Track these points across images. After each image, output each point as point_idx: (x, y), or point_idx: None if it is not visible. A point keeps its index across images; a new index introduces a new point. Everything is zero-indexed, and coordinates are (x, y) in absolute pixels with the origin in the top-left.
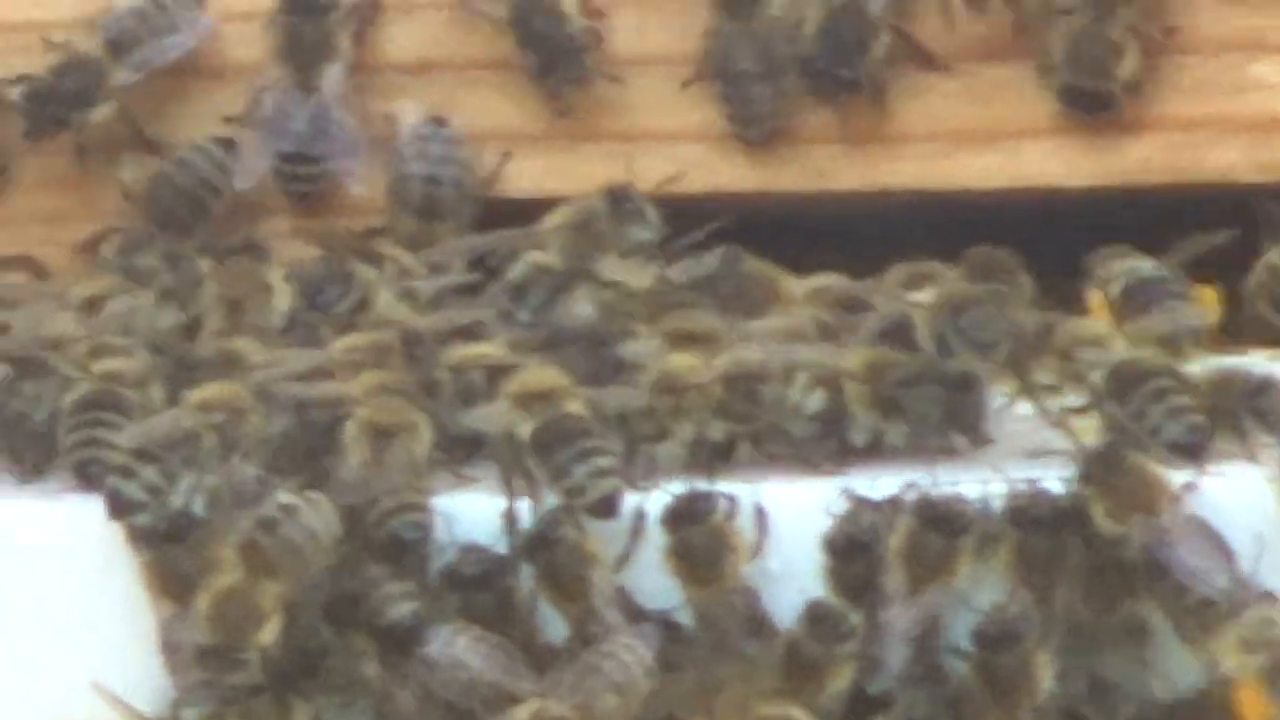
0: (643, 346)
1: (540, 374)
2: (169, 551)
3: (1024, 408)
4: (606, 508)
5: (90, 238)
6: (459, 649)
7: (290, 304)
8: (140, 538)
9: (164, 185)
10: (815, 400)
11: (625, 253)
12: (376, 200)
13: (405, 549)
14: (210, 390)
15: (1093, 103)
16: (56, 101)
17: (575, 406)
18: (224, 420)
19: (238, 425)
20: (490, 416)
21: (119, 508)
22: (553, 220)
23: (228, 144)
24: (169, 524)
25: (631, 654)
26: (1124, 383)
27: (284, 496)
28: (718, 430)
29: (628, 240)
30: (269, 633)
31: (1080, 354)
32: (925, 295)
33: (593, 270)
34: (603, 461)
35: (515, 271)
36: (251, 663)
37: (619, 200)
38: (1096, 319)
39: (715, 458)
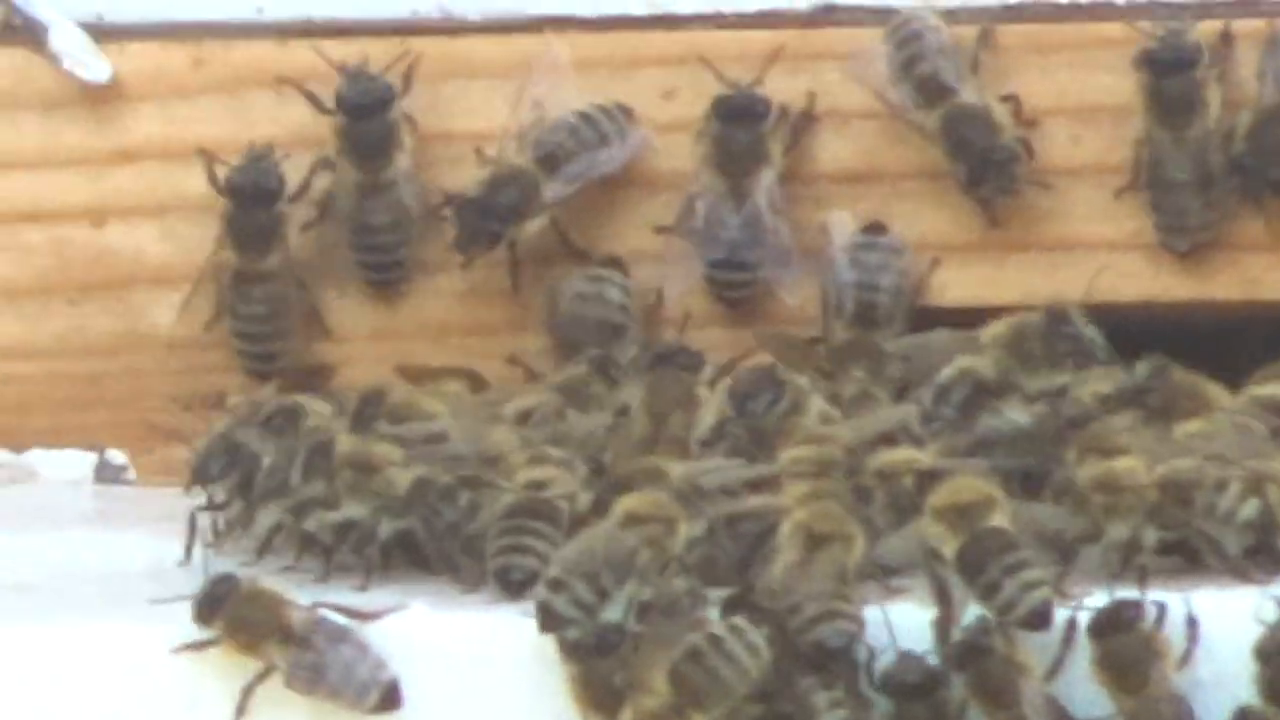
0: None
1: (967, 484)
2: (598, 665)
3: None
4: (1039, 620)
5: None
6: None
7: (716, 417)
8: (569, 651)
9: (568, 323)
10: (1249, 509)
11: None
12: (809, 310)
13: (831, 656)
14: (638, 501)
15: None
16: (491, 216)
17: (1001, 519)
18: (657, 532)
19: (669, 537)
20: (914, 534)
21: (550, 623)
22: (990, 331)
23: (617, 264)
24: (599, 639)
25: None
26: None
27: (714, 628)
28: (1150, 535)
29: (1060, 360)
30: None
31: None
32: None
33: (1020, 384)
34: (1031, 575)
35: (944, 374)
36: None
37: (1057, 321)
38: None
39: (1145, 563)
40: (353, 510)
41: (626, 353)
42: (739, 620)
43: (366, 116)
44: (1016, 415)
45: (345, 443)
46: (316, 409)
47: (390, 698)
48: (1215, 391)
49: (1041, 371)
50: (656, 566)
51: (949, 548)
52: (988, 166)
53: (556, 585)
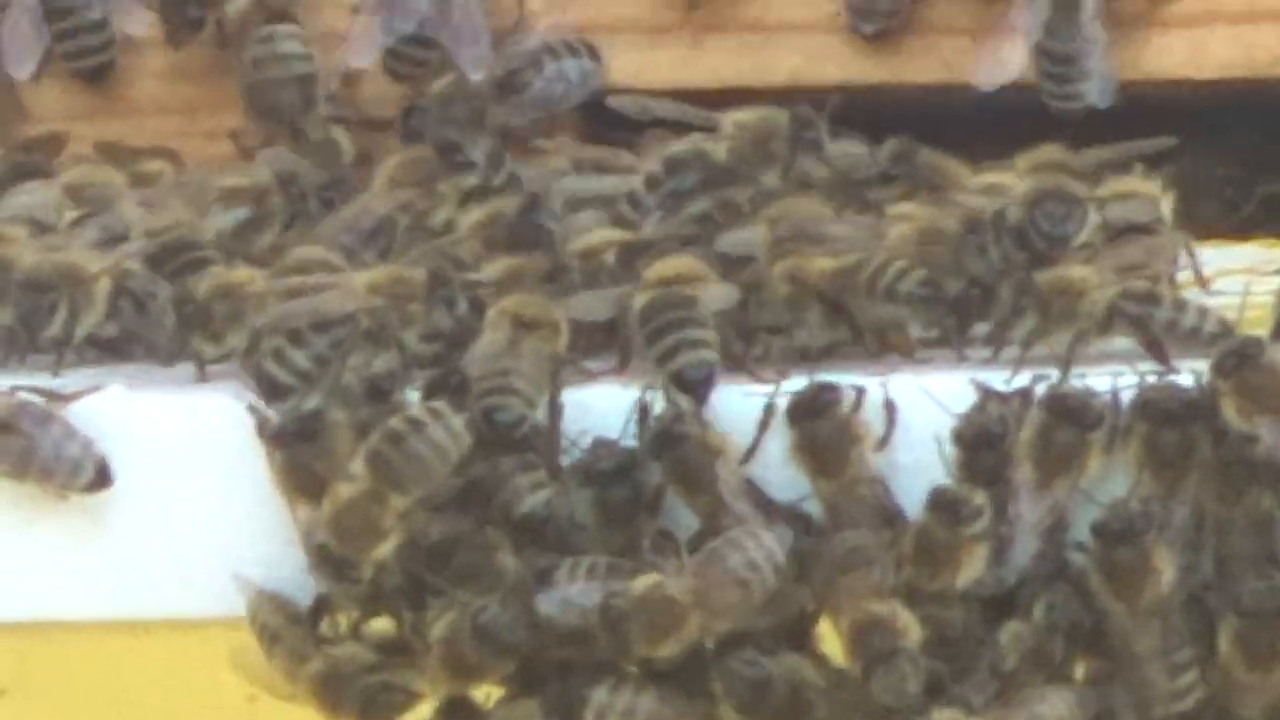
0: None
1: (680, 261)
2: (299, 451)
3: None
4: (695, 379)
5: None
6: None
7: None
8: (270, 438)
9: (258, 88)
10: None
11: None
12: None
13: (498, 428)
14: (381, 274)
15: None
16: (192, 1)
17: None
18: (385, 304)
19: (399, 310)
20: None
21: (272, 392)
22: (736, 117)
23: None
24: (298, 424)
25: (760, 549)
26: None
27: (414, 410)
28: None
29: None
30: (387, 548)
31: None
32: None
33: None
34: (698, 334)
35: (677, 149)
36: (364, 576)
37: (802, 126)
38: None
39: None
40: None
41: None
42: (438, 404)
43: None
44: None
45: None
46: None
47: (103, 475)
48: (959, 170)
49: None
50: (375, 340)
51: (637, 304)
52: None
53: (277, 356)
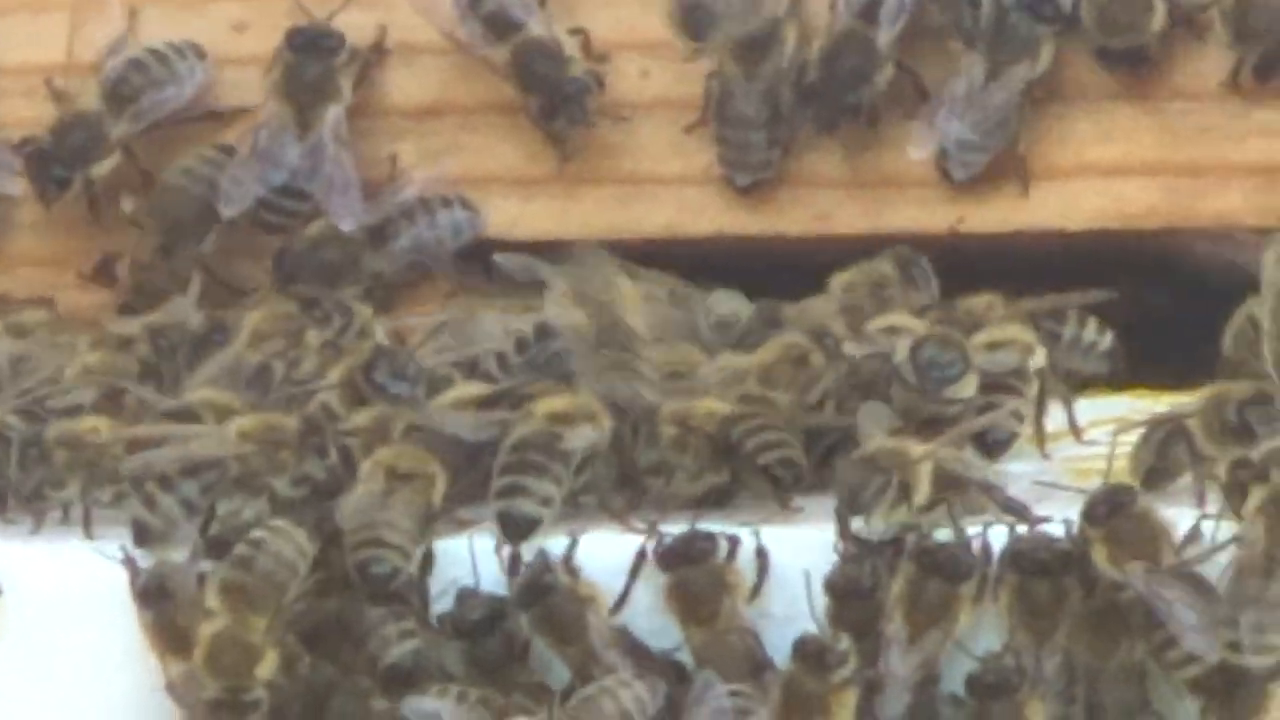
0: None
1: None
2: (164, 609)
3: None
4: (516, 525)
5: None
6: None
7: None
8: (137, 597)
9: (170, 194)
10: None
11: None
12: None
13: (374, 582)
14: (252, 420)
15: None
16: (59, 163)
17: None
18: (255, 451)
19: (270, 457)
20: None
21: (141, 538)
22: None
23: (229, 151)
24: (160, 582)
25: (633, 698)
26: None
27: (254, 533)
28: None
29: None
30: (267, 667)
31: None
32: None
33: None
34: (533, 483)
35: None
36: (261, 700)
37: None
38: None
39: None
40: None
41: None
42: (277, 521)
43: None
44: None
45: None
46: None
47: None
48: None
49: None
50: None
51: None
52: (560, 99)
53: (148, 500)
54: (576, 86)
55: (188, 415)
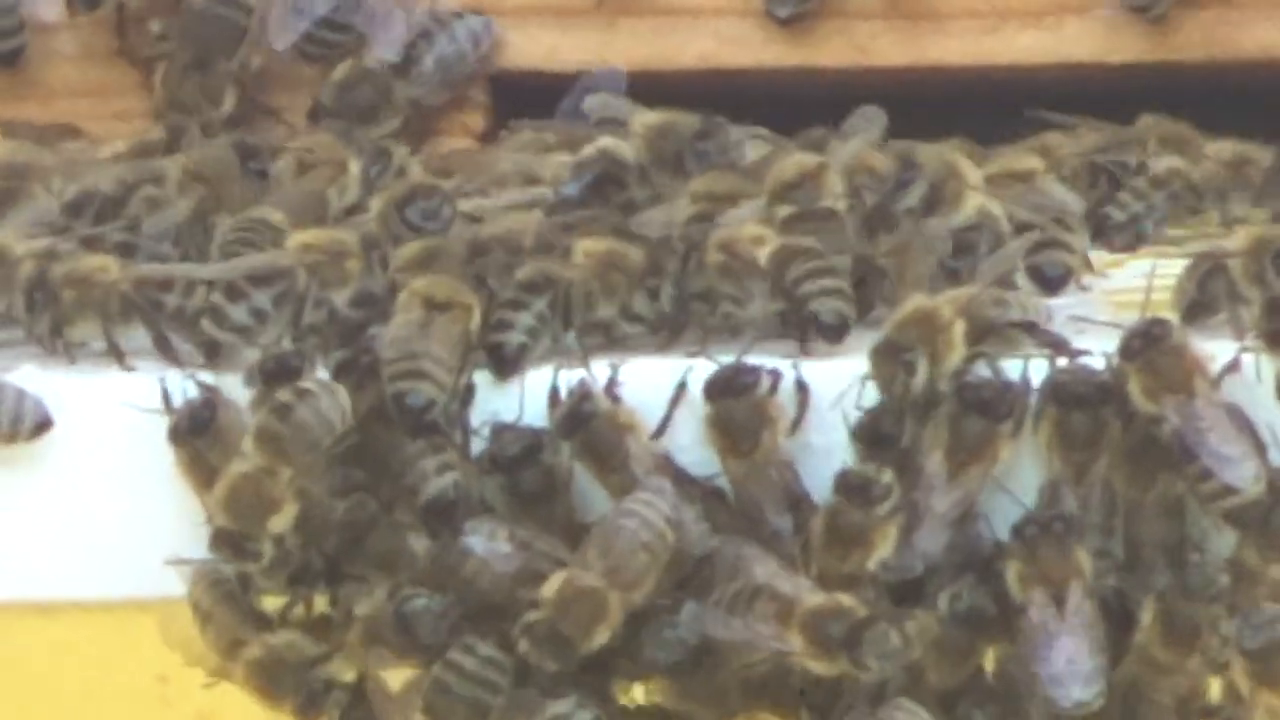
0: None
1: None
2: (196, 444)
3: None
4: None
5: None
6: (495, 549)
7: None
8: (170, 435)
9: (197, 17)
10: None
11: None
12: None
13: (409, 414)
14: (318, 235)
15: None
16: None
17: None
18: (321, 261)
19: (338, 267)
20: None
21: (210, 351)
22: (641, 119)
23: None
24: (191, 421)
25: (651, 508)
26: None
27: (303, 383)
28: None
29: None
30: (282, 521)
31: None
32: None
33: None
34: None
35: (585, 151)
36: (262, 553)
37: (705, 133)
38: None
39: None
40: None
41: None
42: (324, 378)
43: None
44: None
45: None
46: None
47: (44, 423)
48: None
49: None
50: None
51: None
52: None
53: (215, 313)
54: None
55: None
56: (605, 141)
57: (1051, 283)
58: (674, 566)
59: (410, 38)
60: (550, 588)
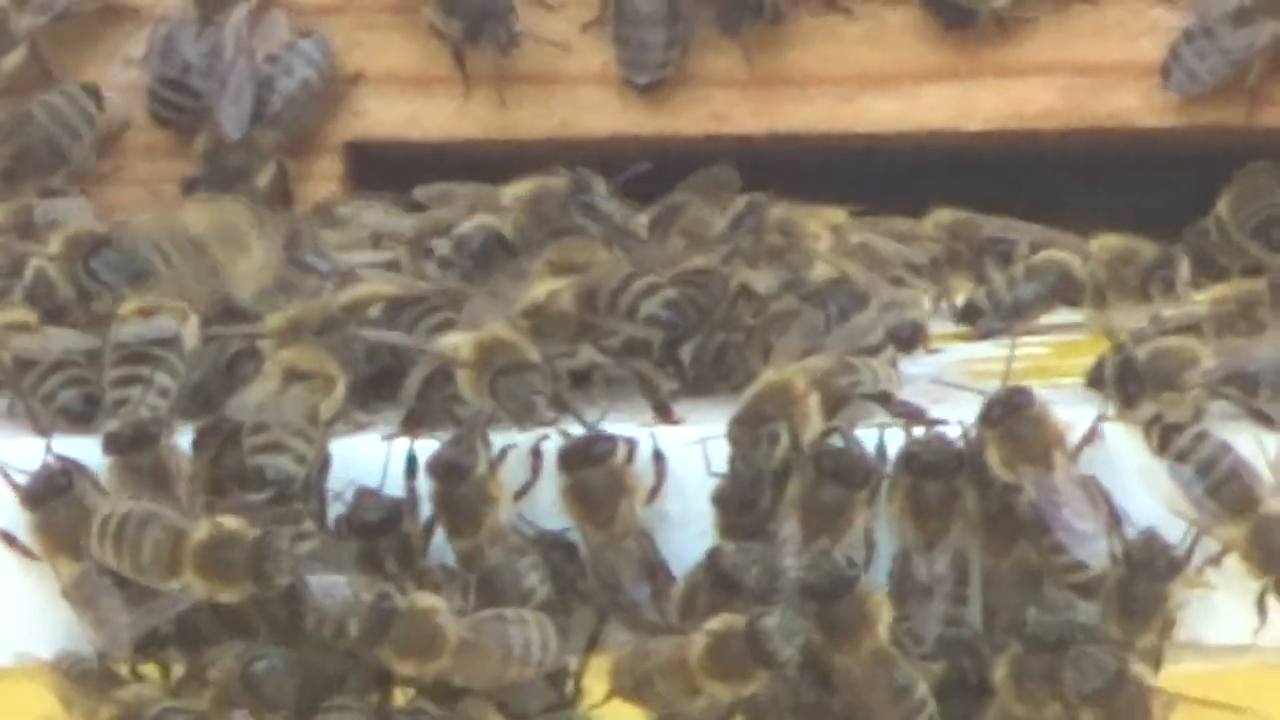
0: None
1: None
2: (53, 509)
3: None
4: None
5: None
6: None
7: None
8: (23, 500)
9: (27, 126)
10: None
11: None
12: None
13: (267, 485)
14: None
15: (954, 15)
16: None
17: None
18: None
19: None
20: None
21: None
22: (512, 189)
23: (94, 91)
24: (45, 485)
25: (539, 637)
26: None
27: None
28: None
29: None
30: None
31: None
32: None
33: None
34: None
35: (464, 227)
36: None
37: (579, 189)
38: None
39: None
40: None
41: (59, 178)
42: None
43: None
44: None
45: None
46: None
47: None
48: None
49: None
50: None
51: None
52: (481, 20)
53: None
54: (498, 4)
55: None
56: (482, 218)
57: (903, 341)
58: None
59: (257, 89)
60: (418, 598)
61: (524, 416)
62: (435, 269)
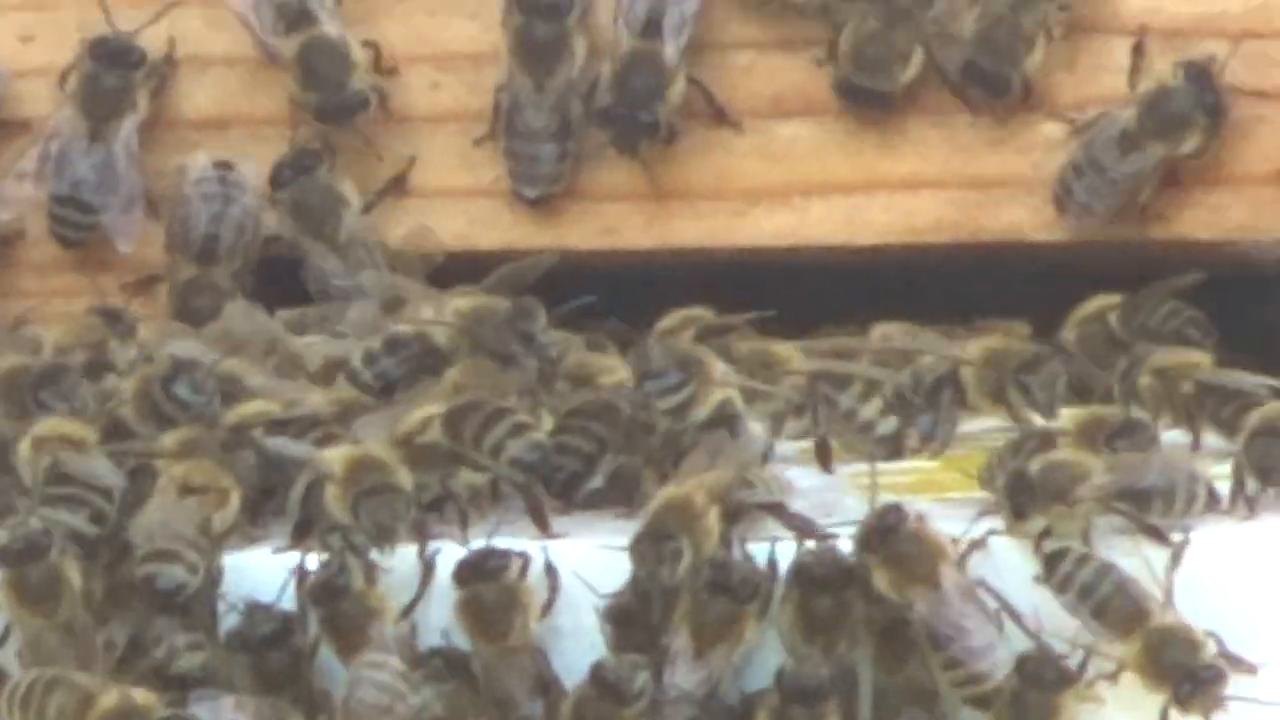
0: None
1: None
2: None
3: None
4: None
5: None
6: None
7: None
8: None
9: None
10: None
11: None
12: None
13: (160, 596)
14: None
15: (872, 100)
16: None
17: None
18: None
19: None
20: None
21: None
22: (455, 302)
23: None
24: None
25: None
26: None
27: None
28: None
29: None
30: None
31: None
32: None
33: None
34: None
35: (400, 329)
36: None
37: (521, 316)
38: None
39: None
40: None
41: None
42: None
43: None
44: None
45: None
46: None
47: None
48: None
49: None
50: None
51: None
52: (335, 105)
53: None
54: (354, 99)
55: None
56: (420, 324)
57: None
58: None
59: (206, 226)
60: None
61: (381, 539)
62: (360, 363)
